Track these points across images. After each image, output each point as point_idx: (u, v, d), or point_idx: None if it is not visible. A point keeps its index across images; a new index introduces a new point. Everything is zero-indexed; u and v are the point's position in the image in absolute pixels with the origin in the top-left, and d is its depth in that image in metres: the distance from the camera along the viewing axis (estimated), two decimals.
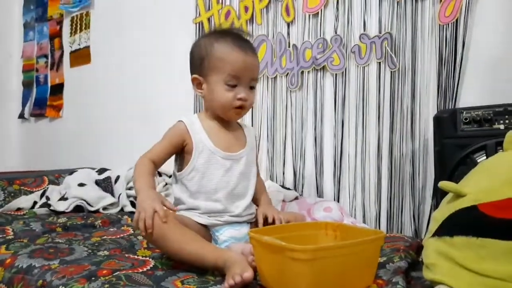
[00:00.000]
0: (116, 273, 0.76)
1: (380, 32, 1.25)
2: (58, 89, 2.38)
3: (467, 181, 0.71)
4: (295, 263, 0.64)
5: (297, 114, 1.43)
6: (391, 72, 1.23)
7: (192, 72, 0.98)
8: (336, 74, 1.34)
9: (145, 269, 0.80)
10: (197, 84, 0.97)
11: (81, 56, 2.24)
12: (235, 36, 0.95)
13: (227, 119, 0.97)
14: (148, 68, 1.92)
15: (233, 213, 0.93)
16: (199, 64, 0.95)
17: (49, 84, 2.44)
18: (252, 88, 0.95)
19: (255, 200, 1.00)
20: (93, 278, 0.75)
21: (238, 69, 0.91)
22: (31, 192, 1.61)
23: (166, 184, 1.55)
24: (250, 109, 1.51)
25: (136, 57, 1.97)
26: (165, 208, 0.81)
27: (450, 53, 1.13)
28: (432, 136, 1.04)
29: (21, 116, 2.58)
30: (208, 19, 1.64)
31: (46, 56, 2.47)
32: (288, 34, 1.44)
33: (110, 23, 2.10)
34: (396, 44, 1.22)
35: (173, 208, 0.84)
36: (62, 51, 2.36)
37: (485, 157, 0.88)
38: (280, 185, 1.41)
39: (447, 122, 0.96)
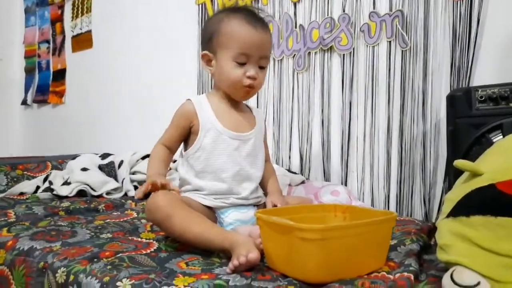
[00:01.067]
0: (119, 255, 0.75)
1: (390, 10, 1.21)
2: (60, 74, 2.36)
3: (483, 160, 0.68)
4: (304, 243, 0.62)
5: (304, 96, 1.40)
6: (402, 51, 1.20)
7: (202, 48, 0.95)
8: (344, 55, 1.30)
9: (148, 251, 0.78)
10: (206, 61, 0.94)
11: (83, 41, 2.21)
12: (246, 13, 0.92)
13: (235, 98, 0.95)
14: (151, 51, 1.89)
15: (239, 195, 0.90)
16: (208, 40, 0.92)
17: (51, 70, 2.42)
18: (262, 68, 0.91)
19: (263, 187, 0.98)
20: (95, 260, 0.73)
21: (247, 46, 0.87)
22: (34, 177, 1.60)
23: (170, 169, 1.53)
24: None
25: (139, 40, 1.94)
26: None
27: (464, 30, 1.08)
28: (444, 117, 1.00)
29: (24, 102, 2.57)
30: (211, 0, 1.60)
31: (48, 42, 2.44)
32: (295, 14, 1.40)
33: (111, 6, 2.07)
34: (407, 22, 1.18)
35: (176, 189, 0.83)
36: (64, 36, 2.34)
37: (501, 137, 0.85)
38: (286, 169, 1.38)
39: (461, 100, 0.92)
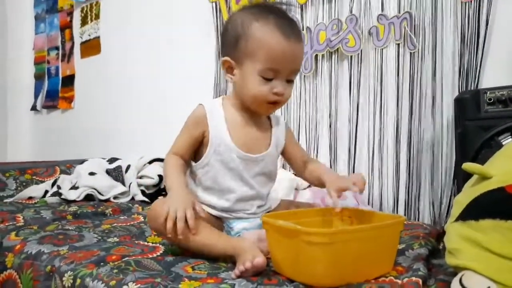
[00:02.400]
0: (125, 259, 0.75)
1: (399, 12, 1.20)
2: (69, 80, 2.38)
3: (492, 163, 0.67)
4: (311, 248, 0.61)
5: (311, 100, 1.39)
6: (410, 53, 1.18)
7: (223, 53, 0.84)
8: (351, 57, 1.29)
9: (155, 255, 0.78)
10: (227, 67, 0.83)
11: (91, 47, 2.23)
12: (279, 16, 0.79)
13: (257, 112, 0.85)
14: (158, 56, 1.90)
15: (247, 211, 0.87)
16: (233, 45, 0.80)
17: (60, 76, 2.44)
18: (290, 81, 0.81)
19: (318, 183, 0.87)
20: (102, 264, 0.73)
21: (277, 61, 0.77)
22: (43, 182, 1.61)
23: None
24: None
25: (146, 45, 1.95)
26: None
27: (473, 32, 1.07)
28: (453, 120, 0.99)
29: (34, 108, 2.60)
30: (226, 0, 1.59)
31: (57, 48, 2.47)
32: (302, 16, 1.39)
33: (119, 12, 2.09)
34: (416, 24, 1.17)
35: (201, 214, 0.77)
36: (73, 43, 2.36)
37: (510, 139, 0.84)
38: (293, 173, 1.37)
39: (469, 103, 0.91)
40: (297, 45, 0.79)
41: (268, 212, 0.91)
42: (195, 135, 0.84)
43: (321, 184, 0.86)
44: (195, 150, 0.87)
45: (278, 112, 1.46)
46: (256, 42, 0.77)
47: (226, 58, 0.82)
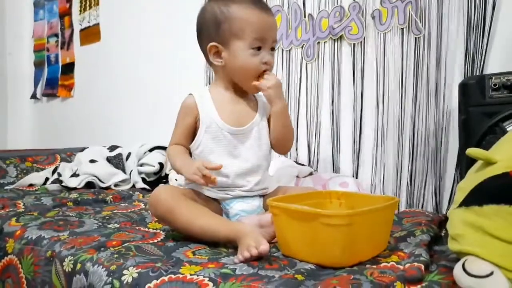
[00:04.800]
0: (125, 244, 0.75)
1: None
2: (69, 68, 2.37)
3: (496, 149, 0.67)
4: (331, 229, 0.63)
5: (313, 87, 1.37)
6: (415, 38, 1.16)
7: (205, 41, 0.88)
8: (354, 44, 1.28)
9: (155, 241, 0.78)
10: (214, 53, 0.88)
11: (91, 34, 2.21)
12: None
13: (247, 90, 0.91)
14: (159, 43, 1.87)
15: (244, 188, 0.88)
16: (215, 31, 0.86)
17: (60, 64, 2.42)
18: (272, 49, 0.89)
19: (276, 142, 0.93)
20: (102, 249, 0.73)
21: (261, 30, 0.85)
22: (43, 169, 1.61)
23: None
24: None
25: (147, 32, 1.93)
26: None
27: (479, 16, 1.05)
28: (457, 107, 0.98)
29: (33, 96, 2.59)
30: None
31: (56, 35, 2.45)
32: (304, 3, 1.37)
33: None
34: (421, 8, 1.14)
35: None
36: (72, 30, 2.34)
37: None
38: (294, 161, 1.37)
39: (474, 88, 0.89)
40: (272, 16, 0.90)
41: (264, 192, 0.92)
42: (189, 123, 0.89)
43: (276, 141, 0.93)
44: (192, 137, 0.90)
45: None
46: (240, 21, 0.85)
47: (213, 44, 0.87)
